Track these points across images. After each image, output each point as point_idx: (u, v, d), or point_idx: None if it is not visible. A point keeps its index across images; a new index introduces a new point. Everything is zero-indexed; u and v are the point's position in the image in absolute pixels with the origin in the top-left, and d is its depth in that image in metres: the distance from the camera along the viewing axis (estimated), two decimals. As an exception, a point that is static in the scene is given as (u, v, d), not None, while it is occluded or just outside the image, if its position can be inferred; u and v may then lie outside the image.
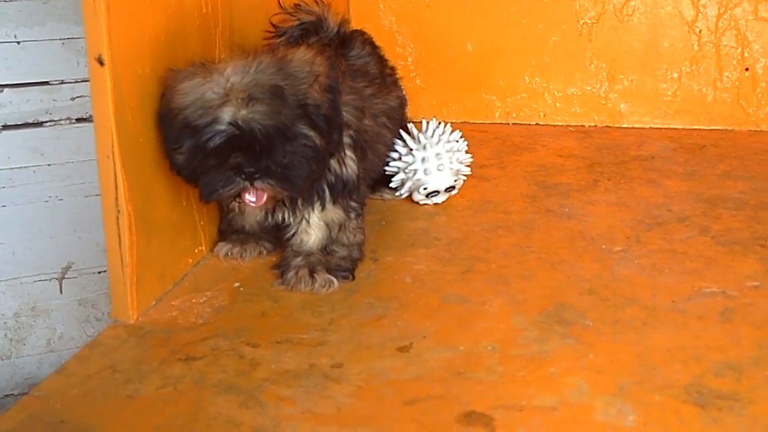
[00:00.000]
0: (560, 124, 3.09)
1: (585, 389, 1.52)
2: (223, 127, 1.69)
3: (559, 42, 3.05)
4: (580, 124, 3.08)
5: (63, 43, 2.80)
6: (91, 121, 1.72)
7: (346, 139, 1.91)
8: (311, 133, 1.76)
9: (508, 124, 3.12)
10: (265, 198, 1.78)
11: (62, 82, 2.85)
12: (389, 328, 1.73)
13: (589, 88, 3.07)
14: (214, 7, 2.07)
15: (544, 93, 3.09)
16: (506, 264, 2.00)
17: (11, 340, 3.10)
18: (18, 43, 2.85)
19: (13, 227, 2.93)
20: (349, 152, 1.92)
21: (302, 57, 1.81)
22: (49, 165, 2.94)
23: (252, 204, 1.78)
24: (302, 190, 1.81)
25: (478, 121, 3.13)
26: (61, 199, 2.89)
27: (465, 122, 3.13)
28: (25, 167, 2.93)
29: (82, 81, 2.86)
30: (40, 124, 2.91)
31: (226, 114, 1.69)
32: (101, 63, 1.63)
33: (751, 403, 1.47)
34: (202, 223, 2.05)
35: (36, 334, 3.14)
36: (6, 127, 2.85)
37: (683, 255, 2.03)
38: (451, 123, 2.99)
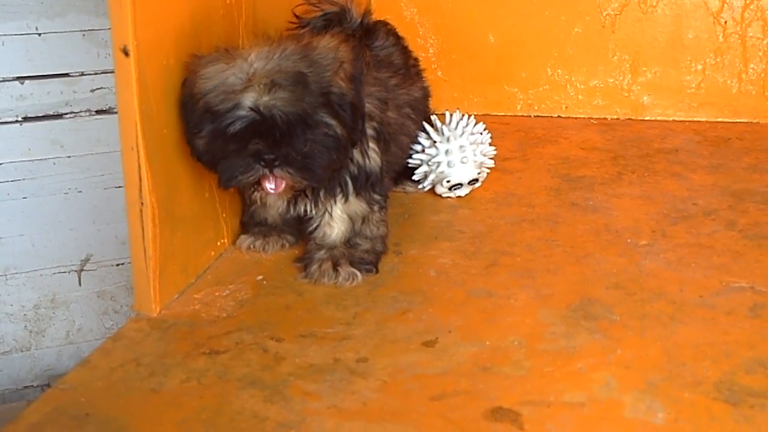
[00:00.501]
0: (582, 116, 3.06)
1: (613, 385, 1.50)
2: (244, 112, 1.68)
3: (581, 33, 3.02)
4: (603, 116, 3.06)
5: (83, 35, 2.79)
6: (112, 113, 1.71)
7: (370, 131, 1.89)
8: (332, 122, 1.74)
9: (530, 116, 3.09)
10: (284, 186, 1.76)
11: (82, 74, 2.84)
12: (414, 323, 1.71)
13: (612, 80, 3.04)
14: (237, -2, 2.06)
15: (567, 85, 3.06)
16: (531, 258, 1.98)
17: (31, 331, 3.11)
18: (39, 35, 2.84)
19: (33, 219, 2.93)
20: (372, 144, 1.90)
21: (327, 45, 1.79)
22: (69, 157, 2.94)
23: (271, 191, 1.76)
24: (322, 179, 1.80)
25: (500, 113, 3.10)
26: (81, 191, 2.89)
27: (487, 114, 3.10)
28: (45, 159, 2.93)
29: (102, 73, 2.86)
30: (60, 116, 2.91)
31: (248, 99, 1.68)
32: (126, 54, 1.62)
33: (784, 400, 1.45)
34: (224, 215, 2.04)
35: (55, 326, 3.14)
36: (27, 119, 2.85)
37: (710, 249, 2.01)
38: (474, 115, 3.00)
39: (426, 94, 2.26)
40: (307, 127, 1.71)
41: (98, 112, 2.87)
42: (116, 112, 1.69)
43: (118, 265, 3.03)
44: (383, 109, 1.93)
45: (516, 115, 3.10)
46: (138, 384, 1.52)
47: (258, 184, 1.77)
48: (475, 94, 3.11)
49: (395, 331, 1.68)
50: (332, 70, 1.75)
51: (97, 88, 2.85)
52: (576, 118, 3.06)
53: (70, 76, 2.82)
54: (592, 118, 3.05)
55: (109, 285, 3.04)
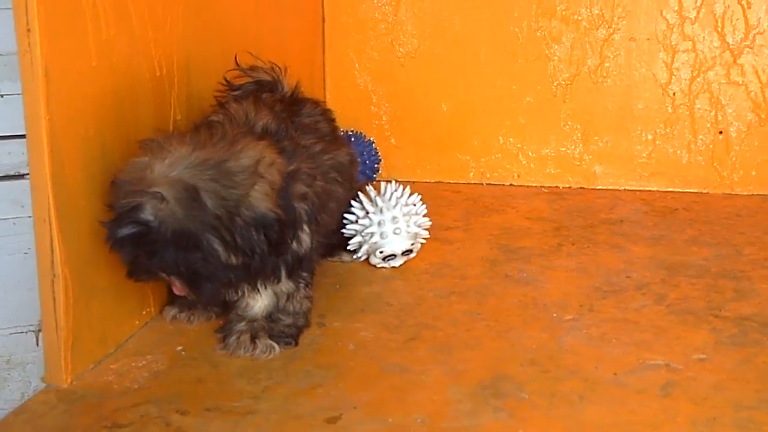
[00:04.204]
0: (534, 185, 3.08)
1: (508, 467, 1.49)
2: (135, 220, 1.64)
3: (533, 103, 3.05)
4: (555, 185, 3.07)
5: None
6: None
7: (302, 213, 1.87)
8: (219, 249, 1.67)
9: (483, 184, 3.11)
10: (186, 291, 1.75)
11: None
12: (322, 398, 1.71)
13: (564, 149, 3.06)
14: (169, 70, 2.08)
15: (519, 154, 3.08)
16: (453, 332, 1.98)
17: (-15, 393, 3.09)
18: (2, 96, 2.87)
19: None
20: (304, 226, 1.88)
21: (252, 155, 1.72)
22: (29, 217, 2.94)
23: (179, 293, 1.77)
24: (211, 296, 1.81)
25: (452, 181, 3.12)
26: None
27: (439, 182, 3.12)
28: (5, 219, 2.94)
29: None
30: (21, 176, 2.92)
31: (142, 207, 1.64)
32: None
33: (676, 485, 1.43)
34: (150, 284, 2.04)
35: (10, 387, 3.12)
36: (-16, 178, 2.87)
37: (634, 325, 2.00)
38: (426, 182, 3.04)
39: (353, 161, 2.26)
40: (185, 247, 1.66)
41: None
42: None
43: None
44: (313, 184, 1.92)
45: (469, 183, 3.11)
46: (30, 460, 1.51)
47: None
48: (428, 162, 3.13)
49: (301, 407, 1.68)
50: (246, 187, 1.68)
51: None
52: (528, 187, 3.07)
53: (29, 137, 2.83)
54: (543, 187, 3.07)
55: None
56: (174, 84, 2.12)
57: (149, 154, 1.70)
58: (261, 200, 1.70)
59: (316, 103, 2.18)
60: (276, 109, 1.98)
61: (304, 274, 1.93)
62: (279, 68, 2.18)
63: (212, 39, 2.28)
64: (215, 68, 2.21)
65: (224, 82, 2.14)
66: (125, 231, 1.65)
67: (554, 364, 1.83)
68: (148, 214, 1.64)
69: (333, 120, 2.22)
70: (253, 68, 2.16)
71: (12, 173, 2.91)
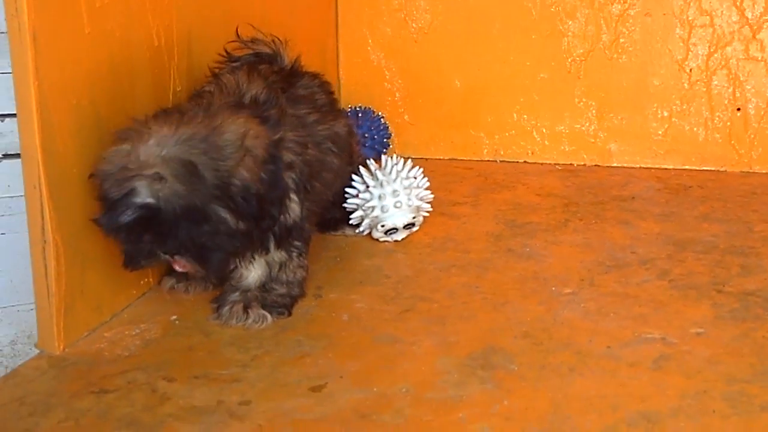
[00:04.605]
0: (549, 162, 3.05)
1: (489, 436, 1.47)
2: (133, 206, 1.63)
3: (547, 79, 3.01)
4: (569, 162, 3.03)
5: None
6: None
7: (289, 182, 1.87)
8: (227, 216, 1.68)
9: (496, 161, 3.08)
10: (190, 267, 1.74)
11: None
12: (310, 367, 1.70)
13: (578, 126, 3.02)
14: (168, 40, 2.08)
15: (533, 131, 3.05)
16: (449, 304, 1.96)
17: (6, 367, 3.13)
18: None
19: (11, 255, 2.95)
20: (292, 195, 1.87)
21: (236, 129, 1.72)
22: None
23: (182, 269, 1.76)
24: (220, 270, 1.79)
25: (465, 158, 3.09)
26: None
27: (453, 159, 3.10)
28: (24, 195, 2.96)
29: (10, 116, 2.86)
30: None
31: (138, 190, 1.63)
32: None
33: (657, 456, 1.41)
34: (149, 257, 2.04)
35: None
36: (6, 156, 2.88)
37: (634, 299, 1.97)
38: (439, 159, 3.01)
39: (350, 132, 2.25)
40: (196, 221, 1.66)
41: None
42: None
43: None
44: (302, 152, 1.92)
45: (482, 160, 3.08)
46: (13, 424, 1.52)
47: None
48: (441, 139, 3.11)
49: (288, 375, 1.67)
50: (235, 159, 1.69)
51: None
52: (542, 164, 3.04)
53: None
54: (557, 164, 3.03)
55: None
56: (174, 55, 2.11)
57: (128, 141, 1.68)
58: (247, 173, 1.70)
59: (314, 76, 2.17)
60: (270, 80, 1.97)
61: (297, 243, 1.92)
62: (280, 41, 2.17)
63: (215, 10, 2.27)
64: (218, 40, 2.20)
65: (224, 54, 2.13)
66: (127, 217, 1.63)
67: (547, 337, 1.81)
68: (146, 197, 1.63)
69: (331, 92, 2.21)
70: (253, 40, 2.16)
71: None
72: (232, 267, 1.90)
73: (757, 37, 2.84)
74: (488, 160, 3.09)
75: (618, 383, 1.63)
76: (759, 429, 1.48)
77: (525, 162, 3.06)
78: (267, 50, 2.14)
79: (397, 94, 3.11)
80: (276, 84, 1.97)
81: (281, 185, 1.78)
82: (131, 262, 1.72)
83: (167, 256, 1.72)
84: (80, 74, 1.80)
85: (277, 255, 1.91)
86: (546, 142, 3.05)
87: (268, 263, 1.91)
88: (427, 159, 3.08)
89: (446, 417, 1.53)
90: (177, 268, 1.76)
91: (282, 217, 1.84)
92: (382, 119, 2.98)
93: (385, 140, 2.97)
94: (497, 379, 1.65)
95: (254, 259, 1.89)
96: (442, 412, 1.54)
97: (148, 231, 1.66)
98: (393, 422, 1.51)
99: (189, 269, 1.76)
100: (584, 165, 3.02)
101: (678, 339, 1.79)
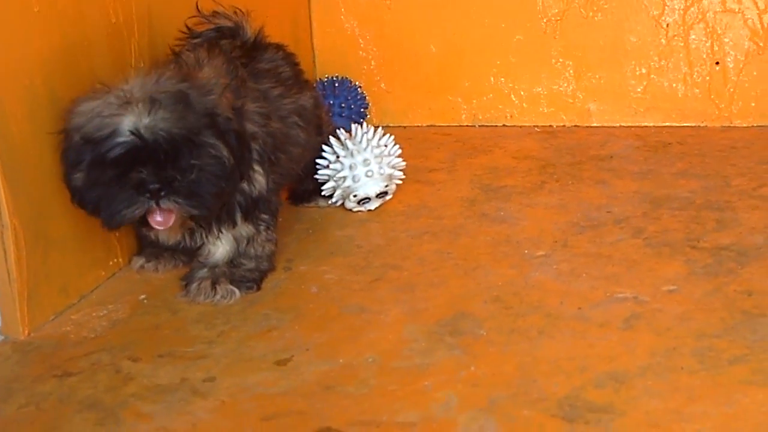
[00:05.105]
0: (528, 125, 3.01)
1: (453, 404, 1.45)
2: (123, 138, 1.62)
3: (523, 41, 2.97)
4: (549, 124, 3.00)
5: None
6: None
7: (253, 153, 1.84)
8: (218, 143, 1.69)
9: (475, 126, 3.04)
10: (173, 220, 1.70)
11: None
12: (276, 341, 1.68)
13: (556, 87, 2.98)
14: (127, 16, 2.05)
15: (510, 94, 3.01)
16: (419, 272, 1.94)
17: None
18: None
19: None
20: (256, 167, 1.85)
21: (210, 70, 1.78)
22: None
23: (159, 227, 1.71)
24: (212, 208, 1.72)
25: (444, 124, 3.06)
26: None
27: (431, 125, 3.06)
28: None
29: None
30: None
31: (127, 123, 1.62)
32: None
33: (623, 415, 1.39)
34: (117, 234, 2.02)
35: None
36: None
37: (607, 259, 1.95)
38: (418, 126, 2.97)
39: (318, 104, 2.22)
40: (193, 147, 1.65)
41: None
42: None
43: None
44: (265, 124, 1.89)
45: (460, 126, 3.05)
46: (-27, 410, 1.51)
47: (144, 219, 1.70)
48: (419, 105, 3.07)
49: (253, 350, 1.65)
50: (216, 93, 1.72)
51: None
52: (521, 127, 3.00)
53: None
54: (537, 126, 2.99)
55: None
56: (134, 31, 2.08)
57: (94, 99, 1.67)
58: (227, 107, 1.72)
59: (279, 48, 2.14)
60: (232, 55, 1.94)
61: (264, 216, 1.90)
62: (242, 12, 2.13)
63: (177, -17, 2.23)
64: (181, 15, 2.16)
65: (184, 30, 2.10)
66: (120, 149, 1.60)
67: (518, 301, 1.79)
68: (140, 127, 1.61)
69: (297, 64, 2.17)
70: (214, 14, 2.12)
71: None
72: (199, 242, 1.88)
73: (734, -12, 2.79)
74: (467, 125, 3.05)
75: (587, 344, 1.61)
76: (726, 383, 1.46)
77: (504, 126, 3.03)
78: (228, 23, 2.11)
79: (373, 62, 3.07)
80: (238, 59, 1.94)
81: (247, 136, 1.77)
82: (112, 215, 1.67)
83: (152, 202, 1.65)
84: (31, 54, 1.77)
85: (244, 229, 1.89)
86: (524, 105, 3.01)
87: (235, 238, 1.89)
88: (405, 126, 3.05)
89: (411, 386, 1.51)
90: (156, 219, 1.69)
91: (247, 187, 1.81)
92: (358, 89, 2.95)
93: (362, 110, 2.93)
94: (465, 345, 1.63)
95: (221, 233, 1.87)
96: (407, 381, 1.52)
97: (144, 162, 1.62)
98: (357, 393, 1.50)
99: (173, 218, 1.70)
100: (563, 126, 2.99)
101: (650, 297, 1.77)
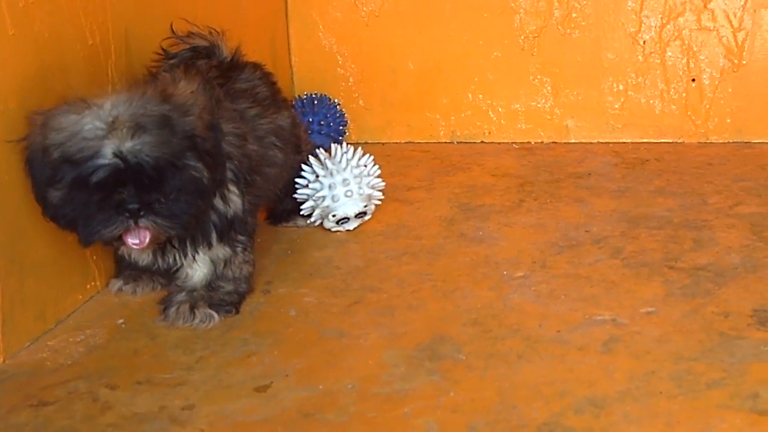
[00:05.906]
0: (506, 141, 3.02)
1: (433, 431, 1.45)
2: (106, 160, 1.60)
3: (501, 57, 2.98)
4: (527, 140, 3.01)
5: None
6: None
7: (228, 174, 1.84)
8: (199, 165, 1.69)
9: (453, 143, 3.05)
10: (148, 239, 1.69)
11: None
12: (255, 367, 1.68)
13: (534, 103, 2.99)
14: (104, 38, 2.04)
15: (488, 110, 3.02)
16: (398, 294, 1.94)
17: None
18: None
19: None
20: (232, 187, 1.84)
21: (184, 91, 1.76)
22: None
23: (135, 246, 1.70)
24: (188, 227, 1.73)
25: (422, 141, 3.06)
26: None
27: (410, 142, 3.07)
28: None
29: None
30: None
31: (110, 146, 1.60)
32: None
33: (602, 443, 1.39)
34: (94, 257, 2.01)
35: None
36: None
37: (586, 280, 1.95)
38: (396, 143, 2.98)
39: (295, 124, 2.22)
40: (176, 171, 1.65)
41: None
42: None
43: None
44: (242, 145, 1.89)
45: (439, 142, 3.05)
46: (-53, 442, 1.49)
47: (120, 239, 1.69)
48: (397, 122, 3.07)
49: (233, 376, 1.65)
50: (194, 114, 1.71)
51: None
52: (499, 144, 3.01)
53: None
54: (515, 143, 3.00)
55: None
56: (111, 53, 2.07)
57: (71, 112, 1.65)
58: (203, 128, 1.72)
59: (256, 67, 2.13)
60: (209, 76, 1.94)
61: (241, 238, 1.89)
62: (218, 32, 2.13)
63: (154, 5, 2.22)
64: (158, 36, 2.15)
65: (160, 52, 2.09)
66: (102, 173, 1.59)
67: (497, 324, 1.79)
68: (128, 149, 1.60)
69: (274, 83, 2.17)
70: (189, 35, 2.11)
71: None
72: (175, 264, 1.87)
73: (709, 6, 2.82)
74: (445, 142, 3.06)
75: (566, 368, 1.61)
76: (704, 407, 1.46)
77: (482, 142, 3.03)
78: (204, 43, 2.10)
79: (351, 79, 3.07)
80: (215, 79, 1.94)
81: (222, 152, 1.77)
82: (90, 234, 1.66)
83: (130, 222, 1.64)
84: (7, 77, 1.75)
85: (221, 251, 1.88)
86: (502, 121, 3.02)
87: (212, 261, 1.88)
88: (384, 143, 3.05)
89: (391, 413, 1.50)
90: (131, 240, 1.68)
91: (222, 207, 1.81)
92: (337, 106, 2.94)
93: (341, 128, 2.93)
94: (444, 370, 1.63)
95: (198, 254, 1.86)
96: (387, 408, 1.52)
97: (127, 186, 1.62)
98: (337, 420, 1.49)
99: (148, 237, 1.69)
100: (542, 142, 3.00)
101: (628, 319, 1.77)
